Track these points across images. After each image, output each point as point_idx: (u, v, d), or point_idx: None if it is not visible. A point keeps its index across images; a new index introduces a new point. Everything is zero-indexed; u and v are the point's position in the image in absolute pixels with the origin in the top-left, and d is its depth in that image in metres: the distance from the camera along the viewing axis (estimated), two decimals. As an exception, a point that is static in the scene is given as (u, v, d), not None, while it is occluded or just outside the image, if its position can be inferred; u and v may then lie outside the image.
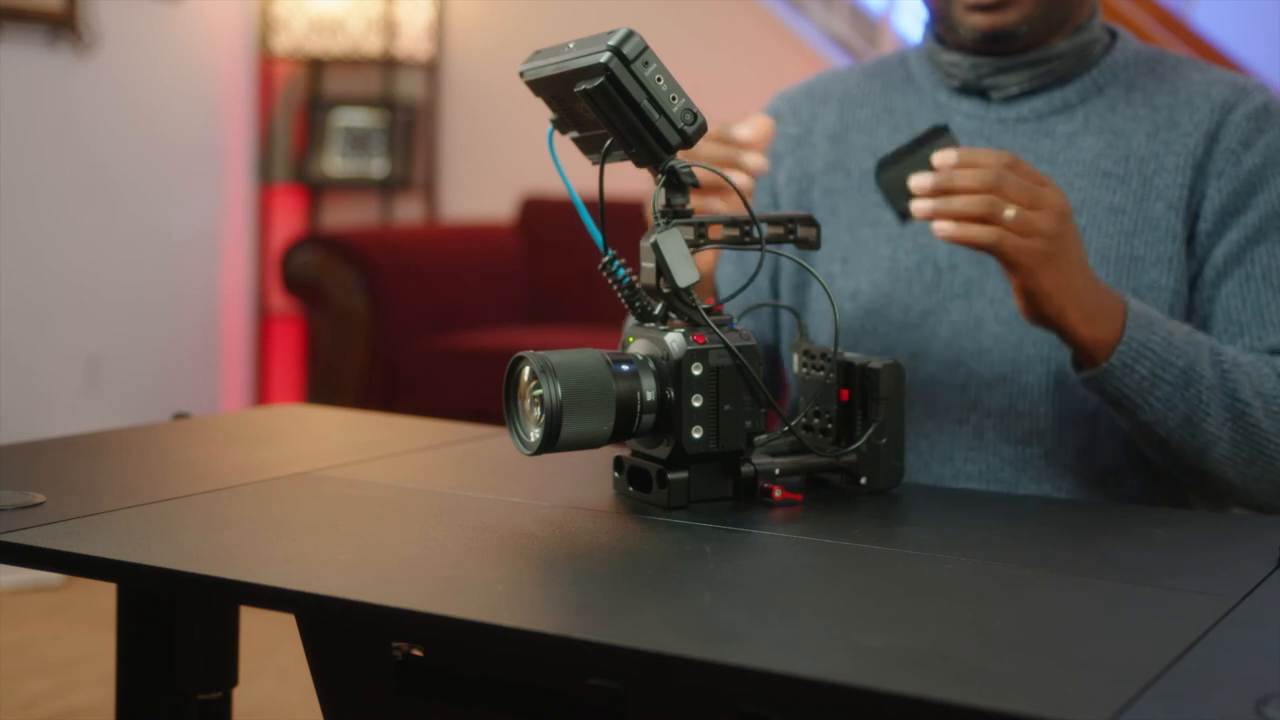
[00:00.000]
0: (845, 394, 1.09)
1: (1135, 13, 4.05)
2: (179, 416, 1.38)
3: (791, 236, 1.10)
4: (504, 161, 4.68)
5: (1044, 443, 1.27)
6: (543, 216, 4.40)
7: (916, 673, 0.68)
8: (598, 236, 1.05)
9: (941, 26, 1.35)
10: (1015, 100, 1.35)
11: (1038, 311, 1.15)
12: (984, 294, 1.30)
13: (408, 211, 4.80)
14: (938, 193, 1.12)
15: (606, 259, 1.05)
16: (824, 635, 0.76)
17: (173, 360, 4.45)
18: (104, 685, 2.53)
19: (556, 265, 4.34)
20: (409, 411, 3.31)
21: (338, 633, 0.98)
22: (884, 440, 1.08)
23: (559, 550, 0.94)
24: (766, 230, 1.09)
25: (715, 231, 1.08)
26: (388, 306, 3.86)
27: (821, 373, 1.11)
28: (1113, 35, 1.38)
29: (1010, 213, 1.10)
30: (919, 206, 1.13)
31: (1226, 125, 1.29)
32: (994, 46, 1.33)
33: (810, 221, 1.10)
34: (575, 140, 1.08)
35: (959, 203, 1.10)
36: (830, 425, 1.10)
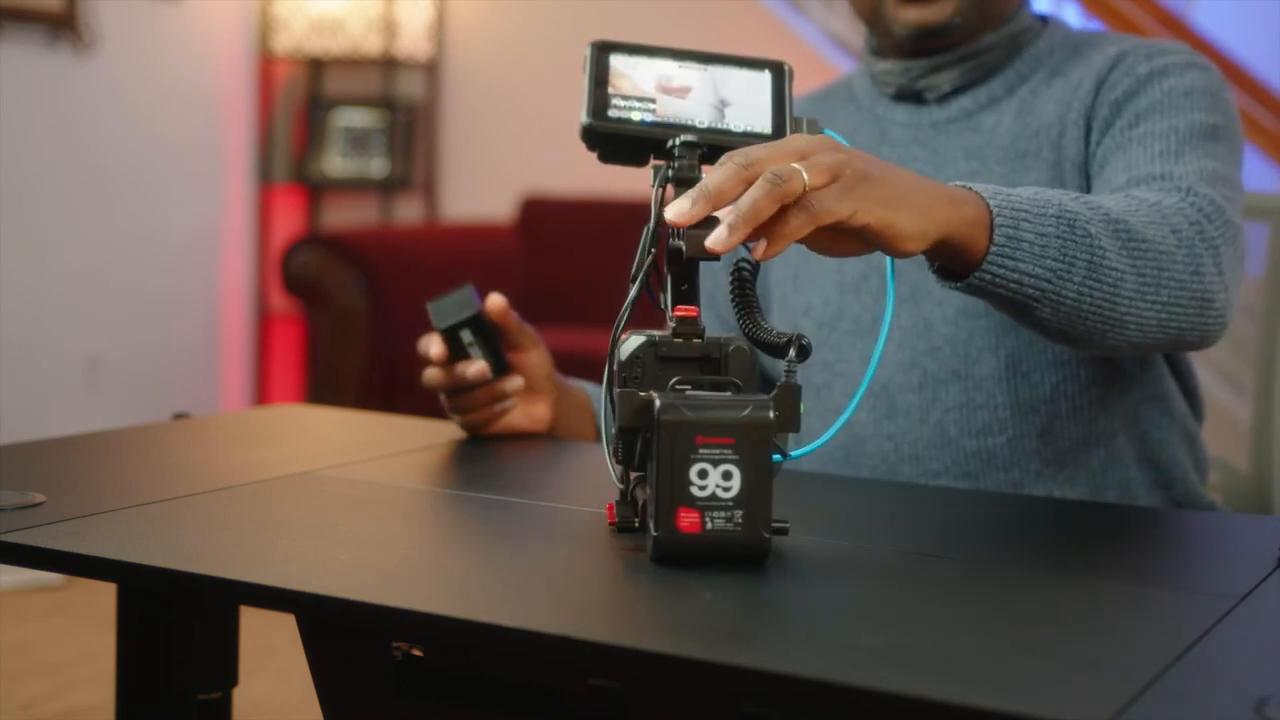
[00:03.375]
0: None
1: (1135, 13, 4.05)
2: (179, 416, 1.39)
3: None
4: (504, 161, 4.68)
5: (1004, 431, 1.28)
6: (543, 216, 4.40)
7: (916, 673, 0.68)
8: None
9: (875, 30, 1.38)
10: (947, 100, 1.37)
11: (906, 236, 0.91)
12: (930, 295, 1.31)
13: (408, 211, 4.80)
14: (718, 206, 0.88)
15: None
16: (824, 635, 0.75)
17: (173, 360, 4.45)
18: (104, 685, 2.53)
19: (556, 265, 4.34)
20: (409, 411, 3.30)
21: (338, 633, 0.98)
22: (655, 490, 0.85)
23: (559, 550, 0.94)
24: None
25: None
26: (388, 306, 3.86)
27: None
28: (1044, 23, 1.39)
29: (803, 168, 0.87)
30: (716, 237, 0.86)
31: (1116, 69, 1.30)
32: (928, 43, 1.34)
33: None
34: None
35: (746, 203, 0.86)
36: None
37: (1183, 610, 0.81)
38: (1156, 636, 0.76)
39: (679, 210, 0.87)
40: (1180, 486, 1.33)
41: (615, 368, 0.93)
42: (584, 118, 0.99)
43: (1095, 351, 1.17)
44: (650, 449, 0.85)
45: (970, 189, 0.99)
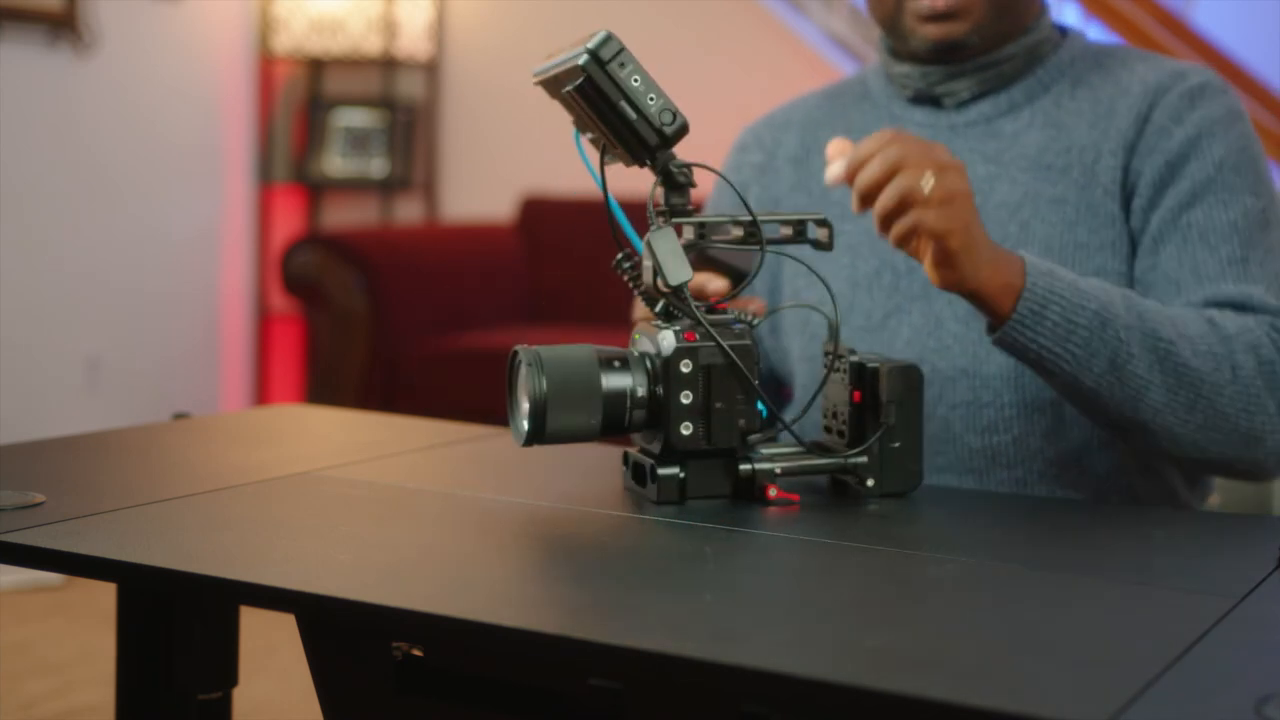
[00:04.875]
0: (858, 395, 1.09)
1: (1135, 13, 4.05)
2: (179, 416, 1.39)
3: (802, 238, 1.12)
4: (504, 161, 4.68)
5: (1010, 430, 1.29)
6: (543, 216, 4.40)
7: (916, 673, 0.68)
8: (631, 234, 1.07)
9: (893, 38, 1.38)
10: (966, 105, 1.38)
11: (954, 273, 1.10)
12: (941, 294, 1.32)
13: (408, 211, 4.80)
14: (851, 177, 1.10)
15: (618, 258, 1.07)
16: (824, 635, 0.76)
17: (173, 360, 4.45)
18: (104, 685, 2.53)
19: (556, 265, 4.34)
20: (409, 411, 3.30)
21: (338, 633, 0.98)
22: (896, 444, 1.08)
23: (559, 550, 0.94)
24: (777, 231, 1.11)
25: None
26: (388, 306, 3.86)
27: (839, 374, 1.11)
28: (1063, 34, 1.41)
29: (928, 183, 1.07)
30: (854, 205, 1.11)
31: (1158, 105, 1.31)
32: (946, 56, 1.36)
33: (824, 222, 1.12)
34: (590, 140, 1.09)
35: (878, 204, 1.08)
36: (845, 427, 1.10)
37: (1183, 610, 0.81)
38: (1156, 636, 0.76)
39: (834, 175, 1.11)
40: (1181, 499, 1.33)
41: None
42: (681, 116, 1.02)
43: (1143, 448, 1.24)
44: (908, 412, 1.08)
45: (1027, 264, 1.14)
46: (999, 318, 1.14)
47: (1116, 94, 1.33)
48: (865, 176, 1.08)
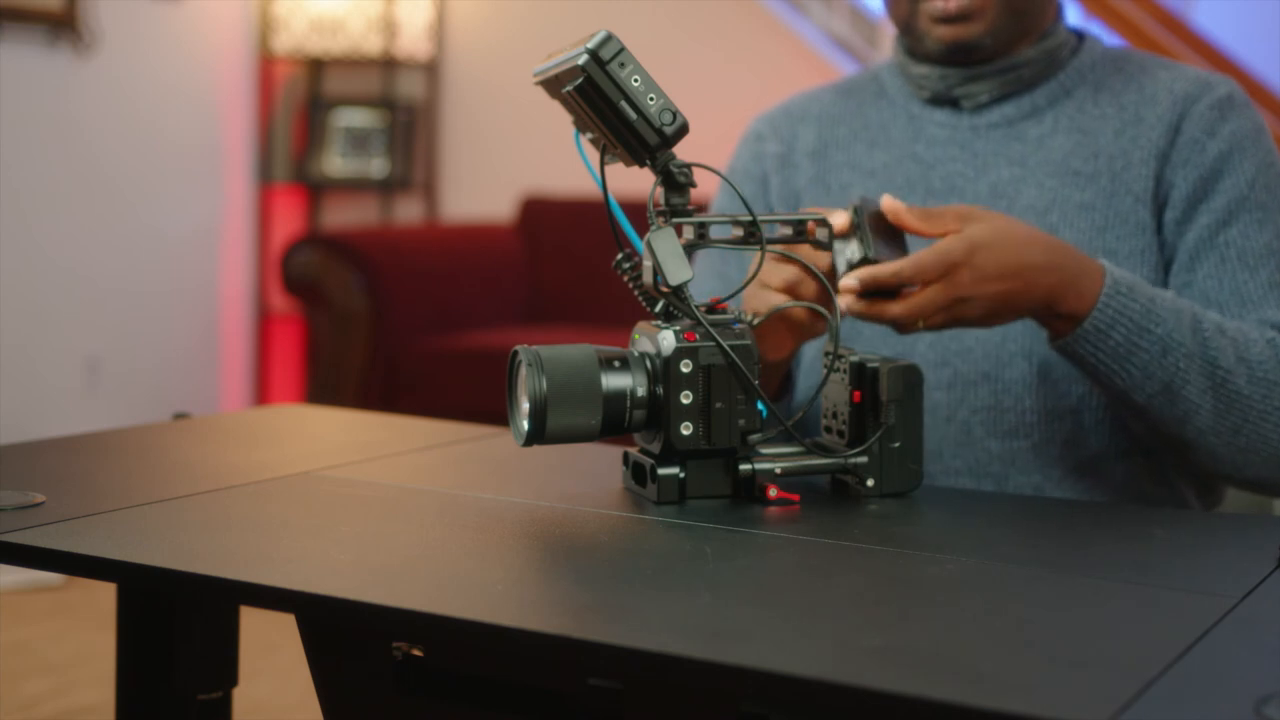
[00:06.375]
0: (858, 395, 1.09)
1: (1135, 13, 4.05)
2: (179, 416, 1.39)
3: (802, 238, 1.12)
4: (504, 161, 4.68)
5: (1030, 435, 1.29)
6: (543, 216, 4.40)
7: (916, 673, 0.68)
8: (631, 234, 1.07)
9: (908, 38, 1.38)
10: (986, 108, 1.38)
11: (999, 323, 1.16)
12: None
13: (408, 211, 4.80)
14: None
15: (618, 258, 1.07)
16: (824, 635, 0.76)
17: (173, 360, 4.45)
18: (104, 685, 2.53)
19: (556, 265, 4.34)
20: (409, 411, 3.31)
21: (338, 633, 0.98)
22: (897, 444, 1.08)
23: (559, 550, 0.94)
24: (778, 231, 1.11)
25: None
26: (388, 306, 3.86)
27: (839, 374, 1.11)
28: (1080, 38, 1.41)
29: (922, 324, 1.13)
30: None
31: (1189, 116, 1.32)
32: (960, 57, 1.36)
33: (823, 222, 1.12)
34: (590, 140, 1.09)
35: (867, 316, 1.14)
36: (845, 427, 1.10)
37: (1183, 610, 0.81)
38: (1156, 636, 0.76)
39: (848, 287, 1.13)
40: (1192, 508, 1.34)
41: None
42: (681, 116, 1.01)
43: (1180, 462, 1.28)
44: (909, 411, 1.08)
45: (1106, 283, 1.16)
46: (1058, 335, 1.18)
47: (1142, 101, 1.34)
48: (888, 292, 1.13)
